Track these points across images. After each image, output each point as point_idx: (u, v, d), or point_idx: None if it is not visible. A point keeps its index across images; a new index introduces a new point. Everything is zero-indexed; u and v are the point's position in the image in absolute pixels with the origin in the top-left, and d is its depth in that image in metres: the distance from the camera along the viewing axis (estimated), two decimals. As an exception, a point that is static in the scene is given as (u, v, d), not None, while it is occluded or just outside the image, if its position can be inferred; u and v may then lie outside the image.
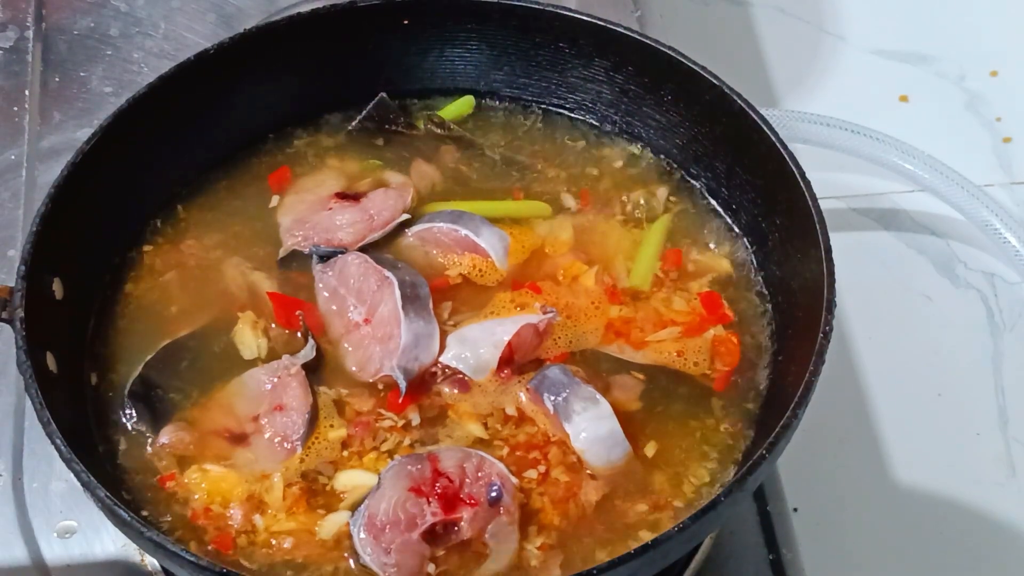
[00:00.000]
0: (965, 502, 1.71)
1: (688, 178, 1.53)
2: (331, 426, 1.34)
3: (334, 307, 1.41)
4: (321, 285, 1.43)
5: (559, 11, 1.52)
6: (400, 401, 1.34)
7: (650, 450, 1.33)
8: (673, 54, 1.48)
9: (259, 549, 1.28)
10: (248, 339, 1.40)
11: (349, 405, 1.35)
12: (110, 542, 1.48)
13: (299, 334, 1.40)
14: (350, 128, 1.57)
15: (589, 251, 1.47)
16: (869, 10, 2.25)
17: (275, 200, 1.51)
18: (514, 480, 1.28)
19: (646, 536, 1.27)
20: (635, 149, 1.56)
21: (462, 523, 1.26)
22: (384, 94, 1.56)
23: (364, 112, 1.56)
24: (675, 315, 1.42)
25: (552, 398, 1.32)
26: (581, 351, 1.39)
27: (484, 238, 1.44)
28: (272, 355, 1.39)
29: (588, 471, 1.31)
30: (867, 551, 1.67)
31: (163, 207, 1.51)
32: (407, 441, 1.33)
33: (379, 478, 1.27)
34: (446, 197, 1.52)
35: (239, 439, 1.34)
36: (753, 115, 1.42)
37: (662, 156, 1.55)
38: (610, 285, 1.43)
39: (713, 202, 1.51)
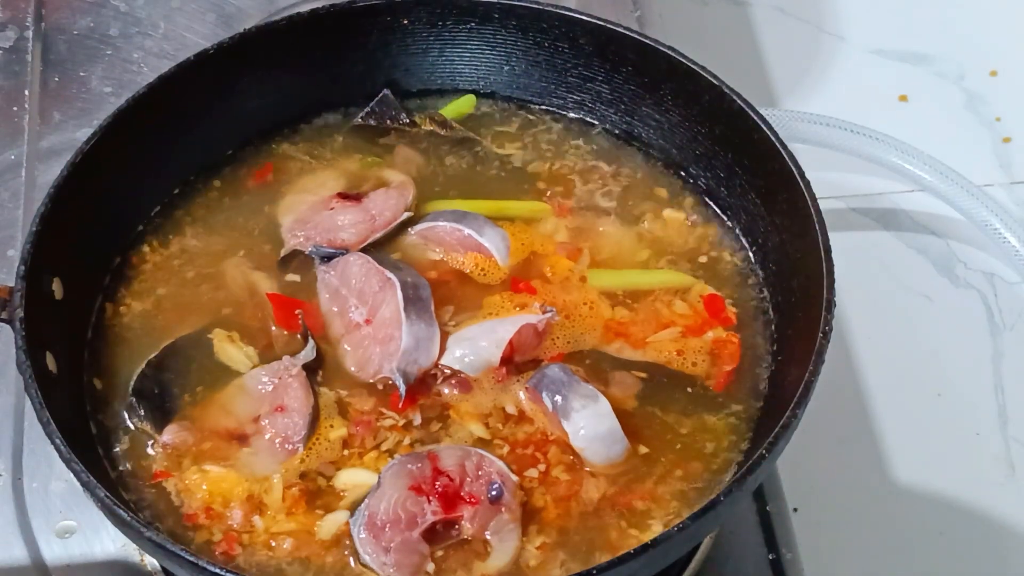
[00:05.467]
0: (965, 502, 1.71)
1: (688, 178, 1.53)
2: (331, 426, 1.34)
3: (335, 308, 1.41)
4: (322, 285, 1.43)
5: (559, 11, 1.52)
6: (400, 405, 1.34)
7: (649, 449, 1.33)
8: (673, 54, 1.48)
9: (259, 549, 1.28)
10: (233, 353, 1.39)
11: (350, 405, 1.35)
12: (110, 542, 1.48)
13: (299, 335, 1.40)
14: (353, 124, 1.57)
15: (587, 251, 1.47)
16: (868, 10, 2.25)
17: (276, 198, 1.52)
18: (514, 478, 1.28)
19: (646, 535, 1.27)
20: (634, 149, 1.56)
21: (463, 521, 1.26)
22: (388, 91, 1.57)
23: (367, 107, 1.56)
24: (676, 317, 1.42)
25: (551, 396, 1.32)
26: (580, 350, 1.39)
27: (487, 237, 1.44)
28: (265, 358, 1.39)
29: (588, 469, 1.31)
30: (867, 551, 1.67)
31: (163, 207, 1.51)
32: (407, 440, 1.33)
33: (379, 477, 1.27)
34: (446, 195, 1.52)
35: (240, 440, 1.34)
36: (753, 115, 1.42)
37: (662, 156, 1.55)
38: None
39: (713, 202, 1.51)
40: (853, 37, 2.21)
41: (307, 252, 1.45)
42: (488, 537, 1.26)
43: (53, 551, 1.48)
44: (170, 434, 1.33)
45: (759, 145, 1.42)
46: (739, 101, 1.43)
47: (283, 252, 1.47)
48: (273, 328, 1.41)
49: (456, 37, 1.57)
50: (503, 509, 1.26)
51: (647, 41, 1.49)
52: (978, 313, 1.88)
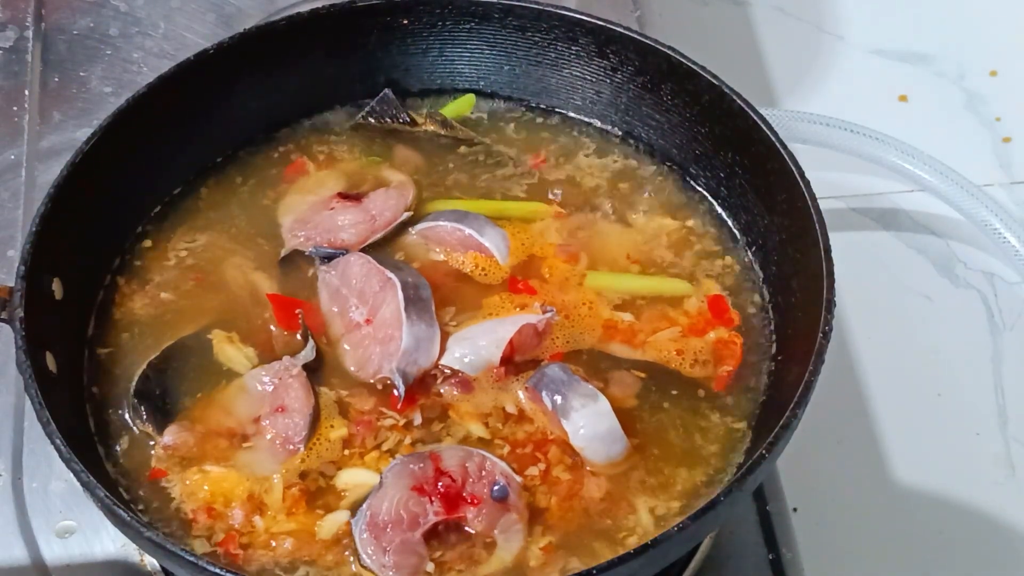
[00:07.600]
0: (965, 502, 1.71)
1: (688, 178, 1.53)
2: (332, 426, 1.34)
3: (335, 308, 1.41)
4: (323, 285, 1.43)
5: (559, 11, 1.52)
6: (399, 405, 1.34)
7: (649, 448, 1.33)
8: (673, 54, 1.48)
9: (258, 550, 1.28)
10: (232, 354, 1.39)
11: (351, 405, 1.35)
12: (109, 542, 1.48)
13: (299, 335, 1.40)
14: (353, 123, 1.57)
15: (586, 251, 1.47)
16: (868, 10, 2.25)
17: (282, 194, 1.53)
18: (518, 479, 1.28)
19: (645, 535, 1.27)
20: (634, 149, 1.56)
21: (469, 520, 1.26)
22: (388, 90, 1.57)
23: (368, 107, 1.56)
24: (680, 316, 1.42)
25: (551, 396, 1.32)
26: (579, 350, 1.39)
27: (488, 238, 1.44)
28: (265, 358, 1.39)
29: (588, 468, 1.31)
30: (867, 551, 1.66)
31: (163, 207, 1.51)
32: (408, 440, 1.33)
33: (381, 477, 1.27)
34: (446, 195, 1.52)
35: (240, 440, 1.34)
36: (753, 115, 1.42)
37: (662, 156, 1.55)
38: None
39: (713, 202, 1.51)
40: (853, 37, 2.21)
41: (307, 252, 1.45)
42: (496, 535, 1.26)
43: (53, 551, 1.48)
44: (171, 435, 1.33)
45: (759, 145, 1.42)
46: (739, 101, 1.43)
47: (283, 252, 1.47)
48: (273, 328, 1.41)
49: (456, 37, 1.57)
50: (511, 509, 1.26)
51: (647, 41, 1.49)
52: (978, 313, 1.88)
